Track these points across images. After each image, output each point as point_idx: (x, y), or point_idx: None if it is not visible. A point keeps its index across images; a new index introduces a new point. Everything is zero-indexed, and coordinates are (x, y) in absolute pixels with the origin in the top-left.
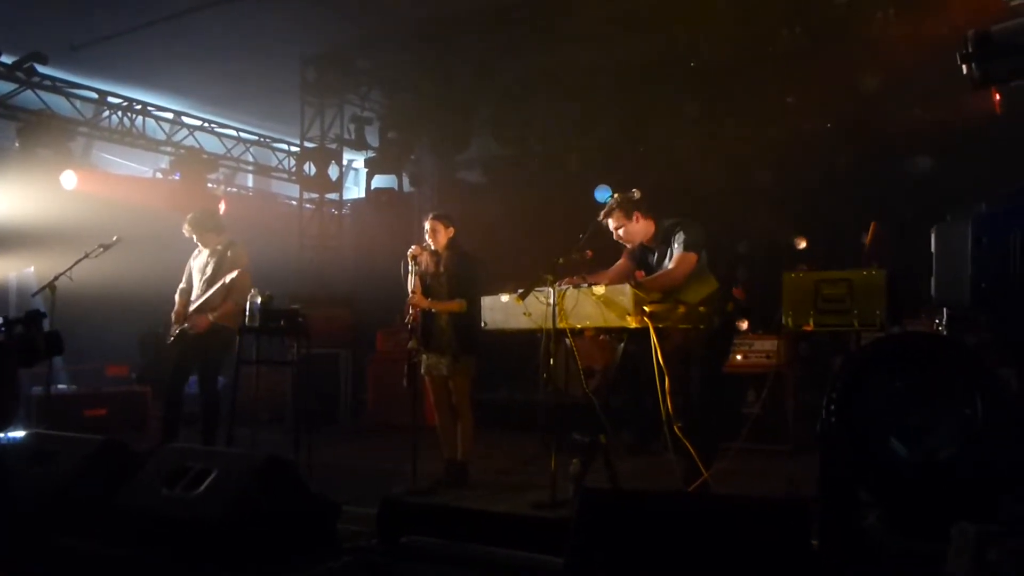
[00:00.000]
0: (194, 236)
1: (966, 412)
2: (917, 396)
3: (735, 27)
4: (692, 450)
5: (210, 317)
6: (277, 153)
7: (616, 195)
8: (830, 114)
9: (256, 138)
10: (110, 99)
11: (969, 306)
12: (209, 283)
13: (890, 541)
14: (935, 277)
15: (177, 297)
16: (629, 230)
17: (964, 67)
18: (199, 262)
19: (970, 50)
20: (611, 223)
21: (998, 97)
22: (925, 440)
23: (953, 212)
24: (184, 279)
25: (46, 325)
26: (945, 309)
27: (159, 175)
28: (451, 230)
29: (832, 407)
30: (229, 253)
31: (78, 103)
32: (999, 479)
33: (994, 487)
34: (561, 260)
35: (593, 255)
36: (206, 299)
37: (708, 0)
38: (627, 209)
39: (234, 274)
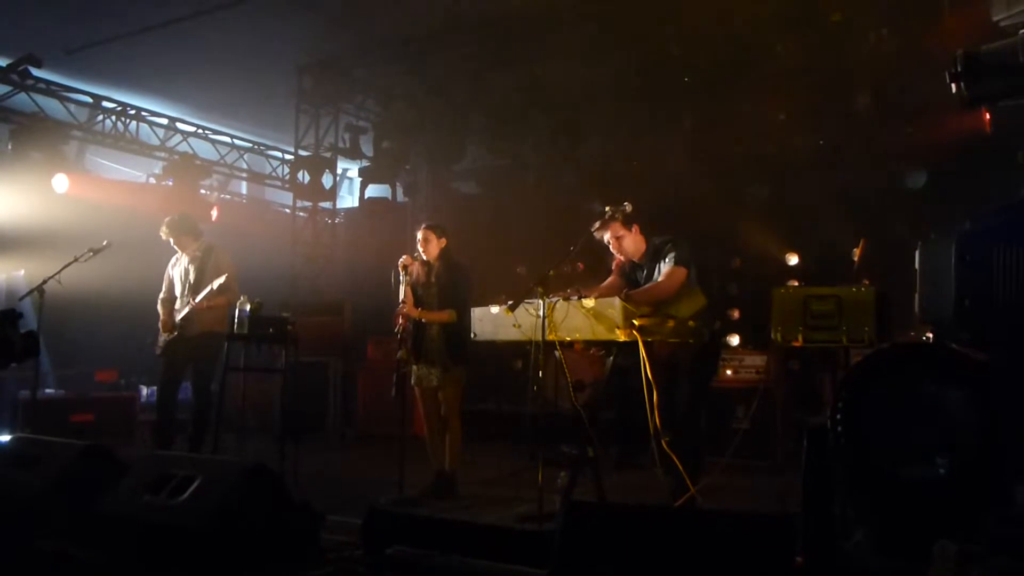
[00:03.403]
0: (171, 240)
1: (967, 428)
2: (918, 410)
3: (729, 43)
4: (679, 465)
5: (205, 304)
6: (271, 160)
7: (608, 207)
8: (822, 131)
9: (250, 145)
10: (104, 103)
11: (952, 323)
12: (195, 291)
13: (875, 559)
14: (919, 294)
15: (160, 308)
16: (627, 241)
17: (954, 86)
18: (179, 270)
19: (959, 70)
20: (608, 235)
21: (988, 116)
22: (923, 456)
23: (937, 230)
24: (164, 289)
25: (27, 327)
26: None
27: (152, 180)
28: (443, 240)
29: (838, 415)
30: (212, 258)
31: (72, 107)
32: (993, 497)
33: (986, 505)
34: (552, 272)
35: (584, 268)
36: (194, 306)
37: (703, 15)
38: (626, 220)
39: (222, 279)
